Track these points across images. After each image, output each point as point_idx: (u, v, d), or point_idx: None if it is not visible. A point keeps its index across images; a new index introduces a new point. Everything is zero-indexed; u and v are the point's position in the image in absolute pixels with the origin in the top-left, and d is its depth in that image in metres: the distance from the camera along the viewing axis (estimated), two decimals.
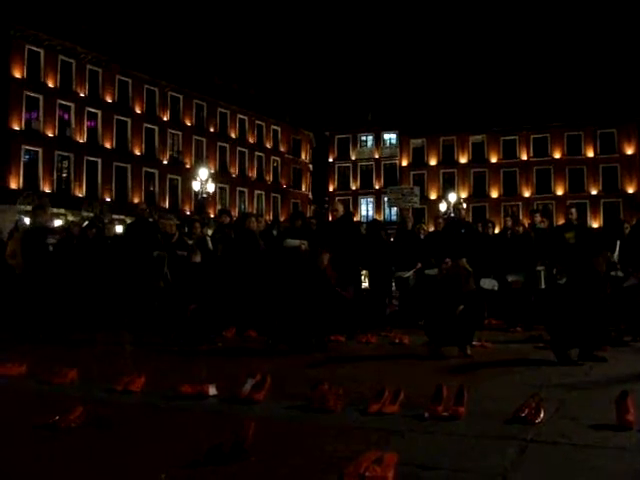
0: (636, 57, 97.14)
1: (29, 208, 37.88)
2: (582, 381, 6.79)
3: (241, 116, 63.71)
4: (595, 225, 59.16)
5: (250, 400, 5.57)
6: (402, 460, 3.74)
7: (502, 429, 4.63)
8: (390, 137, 72.07)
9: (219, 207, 46.80)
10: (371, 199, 70.97)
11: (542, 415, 4.83)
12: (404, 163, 70.05)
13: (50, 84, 45.84)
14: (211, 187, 41.78)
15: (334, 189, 72.43)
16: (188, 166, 55.58)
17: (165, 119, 55.43)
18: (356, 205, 70.36)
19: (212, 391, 5.91)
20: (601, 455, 4.00)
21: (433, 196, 65.29)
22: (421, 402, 5.19)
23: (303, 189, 71.25)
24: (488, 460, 3.88)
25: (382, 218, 62.85)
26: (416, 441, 4.38)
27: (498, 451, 4.07)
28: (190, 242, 12.36)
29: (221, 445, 3.93)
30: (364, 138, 73.28)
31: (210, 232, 14.23)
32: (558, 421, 4.88)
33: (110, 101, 50.38)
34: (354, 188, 72.07)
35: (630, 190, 62.79)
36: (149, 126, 53.87)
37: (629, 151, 64.39)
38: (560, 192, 63.77)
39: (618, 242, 12.43)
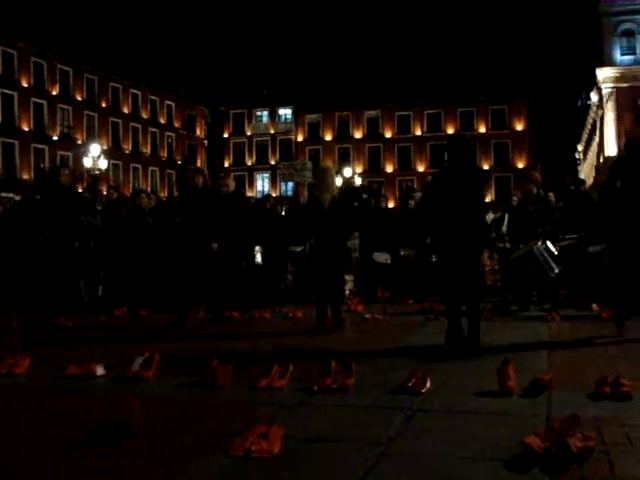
0: (524, 37, 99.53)
1: None
2: (468, 351, 6.94)
3: (134, 91, 62.58)
4: (487, 199, 60.54)
5: (139, 378, 5.48)
6: (289, 433, 3.74)
7: (389, 399, 4.70)
8: (285, 112, 72.07)
9: (112, 184, 45.73)
10: (267, 174, 70.88)
11: (428, 385, 4.92)
12: (300, 138, 70.21)
13: None
14: (103, 164, 40.85)
15: (229, 165, 72.03)
16: (80, 142, 54.23)
17: (54, 93, 53.90)
18: (252, 181, 70.16)
19: (100, 371, 5.79)
20: (483, 421, 4.10)
21: None
22: (310, 376, 5.21)
23: (198, 165, 70.56)
24: (373, 430, 3.92)
25: (278, 193, 62.85)
26: (304, 414, 4.40)
27: (384, 421, 4.12)
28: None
29: (107, 425, 3.85)
30: (259, 113, 73.05)
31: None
32: (444, 390, 4.97)
33: None
34: (250, 164, 71.86)
35: (520, 165, 64.67)
36: (37, 100, 52.29)
37: (519, 127, 66.34)
38: None
39: (506, 215, 12.76)
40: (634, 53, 57.67)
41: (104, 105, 58.95)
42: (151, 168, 64.13)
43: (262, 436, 3.59)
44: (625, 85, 56.72)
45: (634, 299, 7.71)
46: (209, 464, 3.43)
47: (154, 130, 65.03)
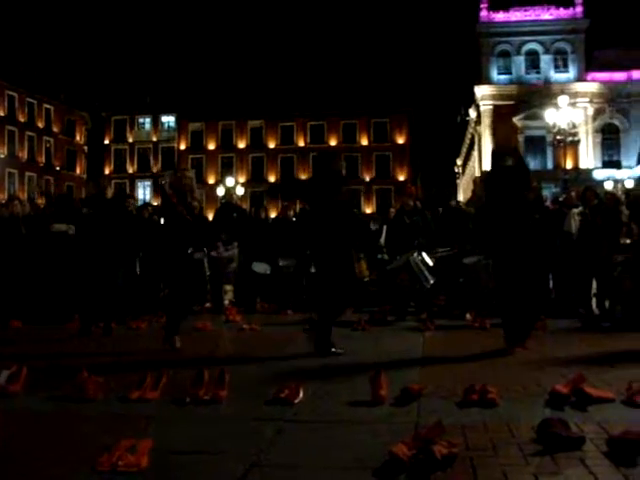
0: (406, 53, 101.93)
1: None
2: (343, 361, 7.00)
3: (10, 92, 60.60)
4: (368, 210, 61.60)
5: (5, 393, 5.29)
6: (158, 446, 3.69)
7: (262, 410, 4.69)
8: (168, 120, 71.18)
9: None
10: (148, 183, 69.60)
11: (301, 395, 4.94)
12: (182, 147, 69.52)
13: None
14: None
15: (110, 172, 70.40)
16: None
17: None
18: (133, 188, 68.92)
19: None
20: (354, 430, 4.15)
21: (211, 180, 65.28)
22: (183, 387, 5.15)
23: (78, 171, 68.94)
24: (245, 442, 3.91)
25: (159, 202, 62.00)
26: (175, 426, 4.34)
27: (256, 432, 4.11)
28: None
29: None
30: (142, 120, 71.83)
31: None
32: (317, 400, 5.00)
33: None
34: (131, 171, 70.56)
35: (401, 177, 65.99)
36: None
37: (400, 140, 67.69)
38: None
39: (385, 226, 12.96)
40: (510, 73, 60.43)
41: None
42: (28, 174, 62.16)
43: (130, 450, 3.52)
44: (501, 103, 59.27)
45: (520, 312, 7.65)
46: None
47: (31, 134, 63.12)
